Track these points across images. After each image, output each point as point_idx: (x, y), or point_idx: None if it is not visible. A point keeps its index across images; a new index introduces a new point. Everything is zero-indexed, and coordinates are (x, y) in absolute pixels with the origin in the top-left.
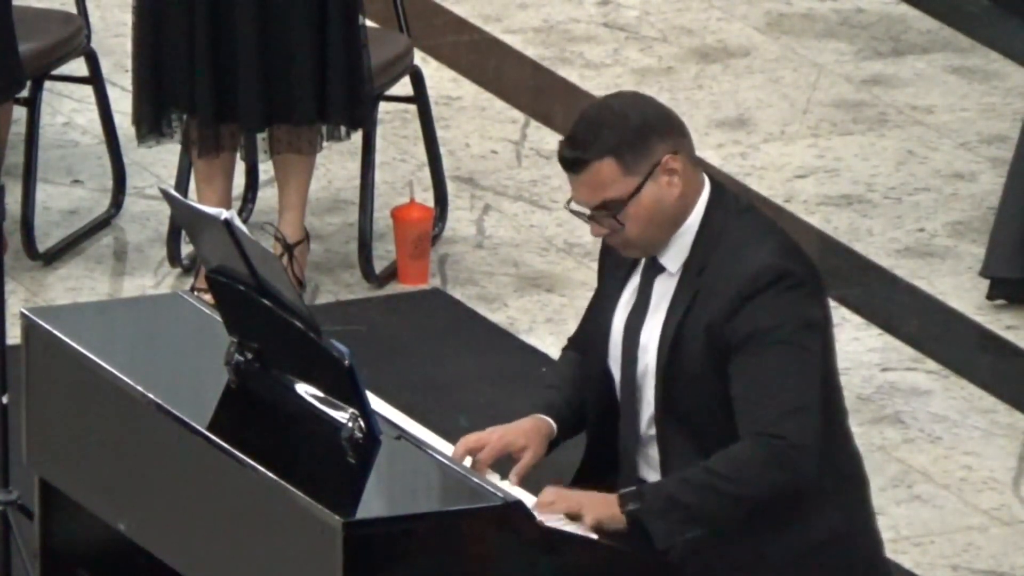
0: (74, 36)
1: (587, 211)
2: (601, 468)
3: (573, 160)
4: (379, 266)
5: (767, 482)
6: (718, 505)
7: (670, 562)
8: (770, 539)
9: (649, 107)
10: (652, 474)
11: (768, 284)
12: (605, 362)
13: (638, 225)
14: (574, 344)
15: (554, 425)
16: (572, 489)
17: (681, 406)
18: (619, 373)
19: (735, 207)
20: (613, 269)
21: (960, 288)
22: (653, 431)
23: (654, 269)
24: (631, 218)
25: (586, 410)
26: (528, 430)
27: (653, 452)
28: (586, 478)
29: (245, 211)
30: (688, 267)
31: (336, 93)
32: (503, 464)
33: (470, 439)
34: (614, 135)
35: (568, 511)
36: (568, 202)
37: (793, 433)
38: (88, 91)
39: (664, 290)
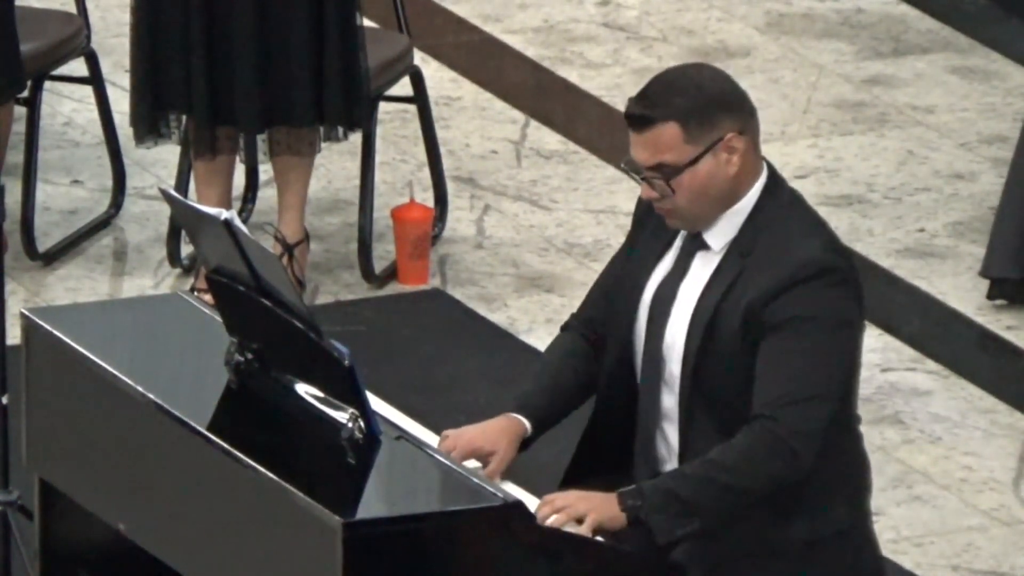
0: (74, 36)
1: (641, 171)
2: (607, 438)
3: (640, 117)
4: (379, 266)
5: (764, 472)
6: (717, 497)
7: (672, 561)
8: (775, 531)
9: (726, 83)
10: (667, 450)
11: (815, 275)
12: (630, 331)
13: (688, 195)
14: (578, 319)
15: (527, 424)
16: (569, 490)
17: (709, 384)
18: (643, 344)
19: (786, 197)
20: (651, 236)
21: (960, 288)
22: (674, 406)
23: (696, 244)
24: (683, 187)
25: (568, 395)
26: (497, 433)
27: (671, 429)
28: (589, 447)
29: (245, 211)
30: (733, 248)
31: (334, 94)
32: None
33: (446, 443)
34: (685, 101)
35: (572, 517)
36: (624, 161)
37: (792, 420)
38: (88, 91)
39: (703, 266)
